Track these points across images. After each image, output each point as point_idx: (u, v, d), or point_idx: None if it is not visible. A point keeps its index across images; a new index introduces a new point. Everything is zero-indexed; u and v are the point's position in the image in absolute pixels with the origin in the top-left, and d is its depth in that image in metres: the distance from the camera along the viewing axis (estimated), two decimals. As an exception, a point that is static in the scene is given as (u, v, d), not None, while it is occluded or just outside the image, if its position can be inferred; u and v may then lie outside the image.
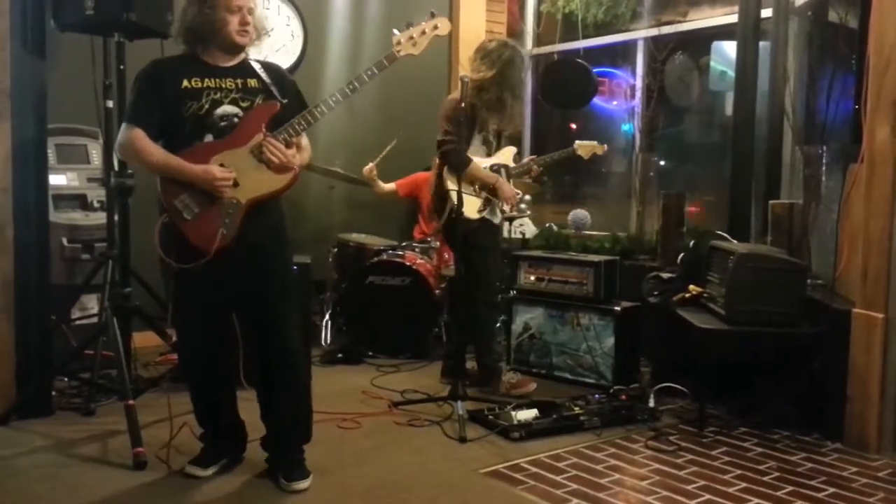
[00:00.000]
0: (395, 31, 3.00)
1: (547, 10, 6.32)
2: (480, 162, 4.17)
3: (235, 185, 2.81)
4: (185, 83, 2.82)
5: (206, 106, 2.82)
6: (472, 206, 4.10)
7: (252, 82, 2.90)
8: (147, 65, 2.92)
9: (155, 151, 2.81)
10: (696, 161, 5.68)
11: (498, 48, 4.15)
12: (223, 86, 2.86)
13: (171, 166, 2.80)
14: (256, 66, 2.95)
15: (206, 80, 2.85)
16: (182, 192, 2.80)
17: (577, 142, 4.53)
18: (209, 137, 2.84)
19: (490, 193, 4.17)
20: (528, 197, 5.59)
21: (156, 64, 2.93)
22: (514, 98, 4.18)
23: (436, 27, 3.04)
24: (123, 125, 2.88)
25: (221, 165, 2.81)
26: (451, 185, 4.03)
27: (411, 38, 2.99)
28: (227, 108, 2.85)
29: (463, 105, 3.82)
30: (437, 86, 6.47)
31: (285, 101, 2.90)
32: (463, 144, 4.06)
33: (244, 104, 2.87)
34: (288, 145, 2.84)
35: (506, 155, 4.31)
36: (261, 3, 3.01)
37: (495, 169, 4.22)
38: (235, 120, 2.85)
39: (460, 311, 4.28)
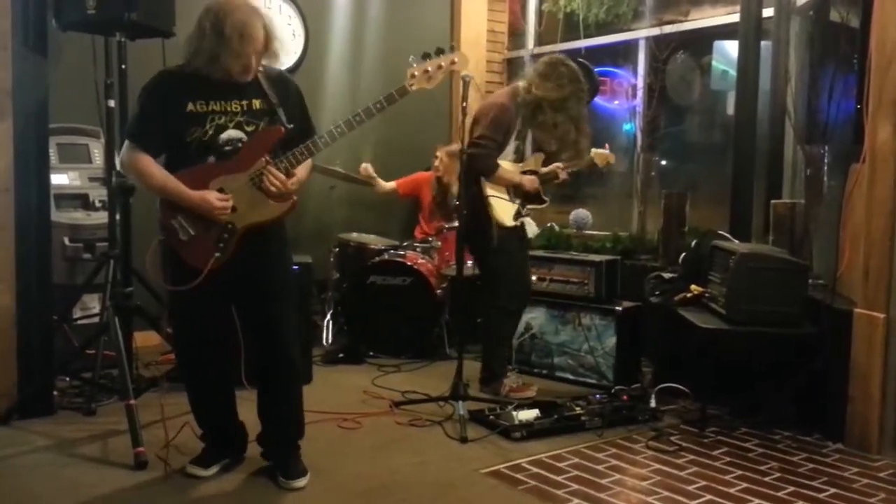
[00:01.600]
0: (413, 62, 2.89)
1: (548, 9, 6.31)
2: (511, 167, 4.13)
3: (233, 210, 2.80)
4: (191, 106, 2.78)
5: (211, 132, 2.79)
6: (507, 214, 4.06)
7: (257, 103, 2.84)
8: (153, 77, 2.86)
9: (156, 173, 2.80)
10: (697, 161, 5.67)
11: (569, 74, 4.03)
12: (228, 109, 2.81)
13: (170, 190, 2.79)
14: (263, 81, 2.86)
15: (212, 103, 2.79)
16: (179, 213, 2.81)
17: (592, 150, 4.34)
18: (212, 160, 2.82)
19: (516, 192, 4.12)
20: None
21: (162, 79, 2.86)
22: (579, 132, 4.09)
23: (453, 62, 2.93)
24: (127, 142, 2.87)
25: (220, 190, 2.80)
26: (491, 191, 3.99)
27: (426, 71, 2.90)
28: (231, 133, 2.81)
29: (464, 105, 3.80)
30: (439, 86, 6.46)
31: (290, 126, 2.85)
32: (496, 152, 4.00)
33: (249, 128, 2.83)
34: (288, 175, 2.82)
35: (534, 161, 4.24)
36: (262, 3, 2.96)
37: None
38: (239, 145, 2.82)
39: (467, 313, 4.25)
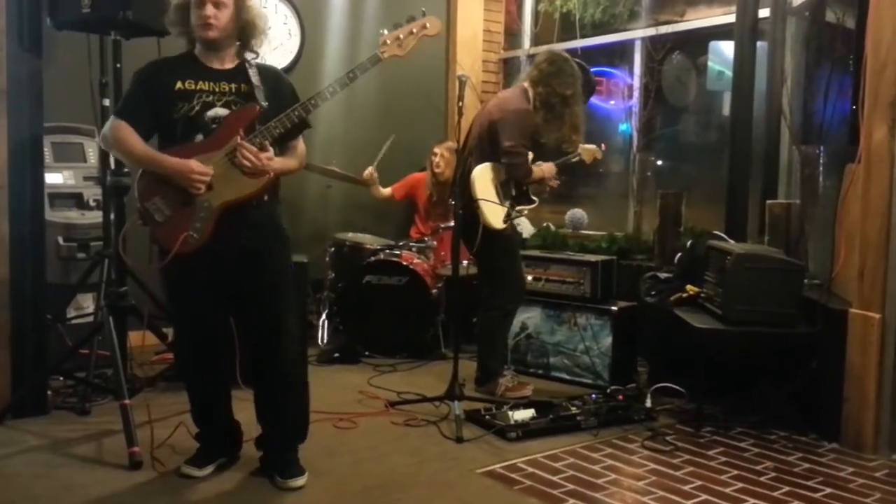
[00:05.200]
0: (384, 31, 2.95)
1: (545, 9, 6.32)
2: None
3: (210, 188, 2.80)
4: (179, 84, 2.82)
5: (197, 108, 2.82)
6: (496, 217, 4.05)
7: (245, 87, 2.88)
8: (146, 64, 2.93)
9: (136, 142, 2.82)
10: (693, 161, 5.68)
11: (571, 67, 4.15)
12: (217, 89, 2.84)
13: (150, 158, 2.80)
14: (251, 71, 2.91)
15: (201, 82, 2.84)
16: (155, 194, 2.81)
17: (580, 146, 4.36)
18: (200, 138, 2.83)
19: (506, 194, 4.11)
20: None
21: (153, 64, 2.94)
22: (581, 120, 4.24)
23: (424, 27, 2.97)
24: (111, 118, 2.90)
25: None
26: (481, 194, 3.99)
27: (398, 38, 2.94)
28: (218, 111, 2.83)
29: (460, 105, 3.79)
30: (434, 85, 6.48)
31: (265, 104, 2.85)
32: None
33: (236, 108, 2.85)
34: (262, 149, 2.80)
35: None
36: (257, 2, 2.96)
37: None
38: None
39: (462, 312, 4.25)
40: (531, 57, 6.48)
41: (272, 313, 2.95)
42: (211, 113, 2.82)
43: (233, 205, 2.83)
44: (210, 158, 2.80)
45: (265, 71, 2.97)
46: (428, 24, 2.97)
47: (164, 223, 2.81)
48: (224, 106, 2.84)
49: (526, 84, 4.18)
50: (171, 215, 2.81)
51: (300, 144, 3.02)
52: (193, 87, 2.83)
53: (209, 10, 2.79)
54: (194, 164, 2.77)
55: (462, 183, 4.00)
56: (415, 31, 2.96)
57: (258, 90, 2.87)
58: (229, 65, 2.90)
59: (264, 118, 2.83)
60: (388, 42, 2.93)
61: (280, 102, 2.89)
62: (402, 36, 2.94)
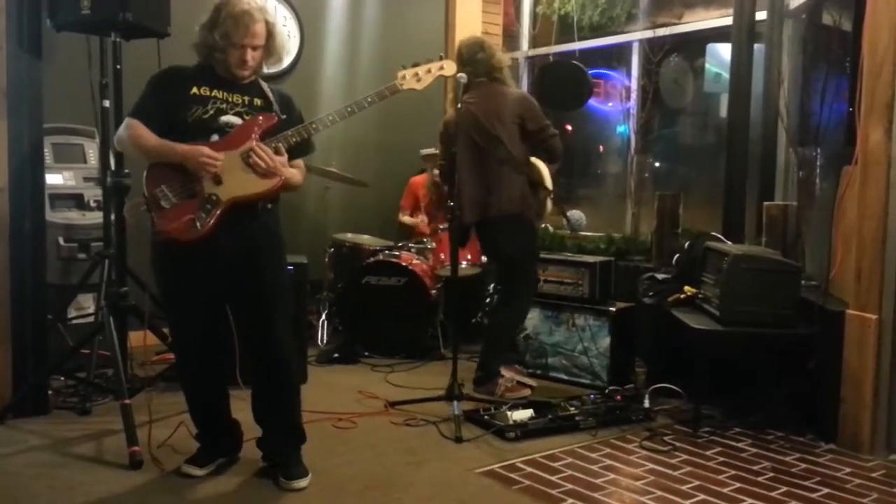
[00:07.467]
0: (402, 67, 3.08)
1: (543, 11, 6.34)
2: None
3: (219, 182, 2.83)
4: (194, 90, 2.87)
5: (211, 112, 2.87)
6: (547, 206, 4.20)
7: (258, 101, 2.95)
8: (162, 69, 3.00)
9: (149, 135, 2.85)
10: (690, 163, 5.70)
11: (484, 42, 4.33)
12: (230, 99, 2.90)
13: (163, 148, 2.84)
14: (266, 89, 2.99)
15: (215, 90, 2.89)
16: (164, 182, 2.84)
17: None
18: (215, 138, 2.86)
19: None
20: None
21: (169, 69, 2.99)
22: None
23: (441, 68, 3.15)
24: (126, 119, 2.93)
25: None
26: (550, 184, 4.07)
27: (416, 74, 3.08)
28: (230, 118, 2.89)
29: (459, 106, 3.82)
30: (433, 86, 6.45)
31: (284, 116, 2.94)
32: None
33: (248, 118, 2.90)
34: (277, 153, 2.87)
35: None
36: (270, 11, 3.01)
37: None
38: None
39: (461, 313, 4.29)
40: (530, 59, 6.51)
41: (268, 319, 2.97)
42: (223, 119, 2.88)
43: (240, 202, 2.86)
44: (223, 155, 2.84)
45: (277, 92, 3.04)
46: (445, 66, 3.18)
47: (169, 210, 2.84)
48: (236, 115, 2.89)
49: (504, 70, 4.27)
50: (177, 203, 2.84)
51: (301, 164, 3.07)
52: (208, 93, 2.88)
53: (249, 55, 2.86)
54: (205, 148, 2.81)
55: (451, 184, 4.05)
56: (432, 70, 3.13)
57: (273, 104, 2.95)
58: (243, 80, 2.95)
59: (277, 132, 2.89)
60: (408, 77, 3.08)
61: (290, 123, 2.96)
62: (420, 74, 3.09)
